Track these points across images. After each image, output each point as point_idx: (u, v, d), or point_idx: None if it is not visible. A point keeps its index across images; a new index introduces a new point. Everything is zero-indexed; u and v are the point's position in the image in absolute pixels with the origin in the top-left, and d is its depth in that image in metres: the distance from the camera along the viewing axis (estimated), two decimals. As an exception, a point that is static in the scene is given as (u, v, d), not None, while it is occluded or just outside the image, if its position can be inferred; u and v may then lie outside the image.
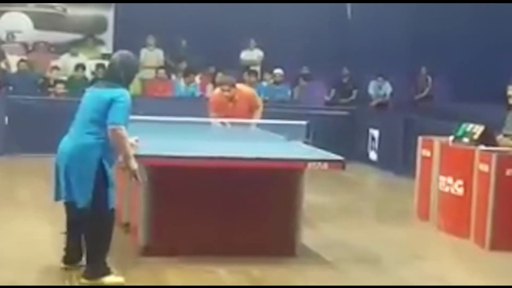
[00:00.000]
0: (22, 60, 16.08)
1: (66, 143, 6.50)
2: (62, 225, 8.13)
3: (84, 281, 6.40)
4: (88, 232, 6.43)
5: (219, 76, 9.91)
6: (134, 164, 6.40)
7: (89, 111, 6.38)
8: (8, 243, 7.66)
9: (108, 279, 6.39)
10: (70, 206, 6.58)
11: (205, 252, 7.08)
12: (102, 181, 6.29)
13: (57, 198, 6.64)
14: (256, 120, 9.73)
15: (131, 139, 6.57)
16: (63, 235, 7.86)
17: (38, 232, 8.12)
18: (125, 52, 6.63)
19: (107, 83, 6.46)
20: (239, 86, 10.03)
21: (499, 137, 8.77)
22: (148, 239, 7.22)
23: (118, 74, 6.42)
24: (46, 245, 7.59)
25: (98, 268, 6.41)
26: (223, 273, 6.82)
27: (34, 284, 6.41)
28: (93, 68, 16.48)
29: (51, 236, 7.90)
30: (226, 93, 9.68)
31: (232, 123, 9.41)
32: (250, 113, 9.76)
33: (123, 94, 6.31)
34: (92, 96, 6.44)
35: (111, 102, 6.24)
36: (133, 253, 7.27)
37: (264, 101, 10.84)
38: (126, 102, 6.31)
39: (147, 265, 6.95)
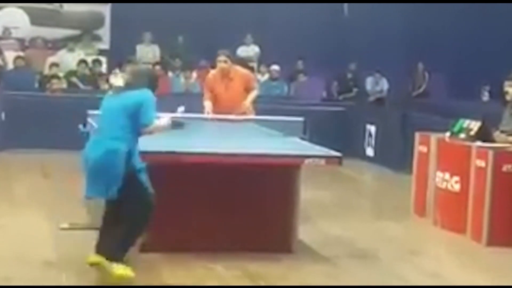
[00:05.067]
0: (18, 57, 16.06)
1: (94, 148, 6.46)
2: (59, 221, 8.17)
3: (94, 259, 6.35)
4: (127, 215, 6.41)
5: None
6: (167, 124, 6.68)
7: (116, 115, 6.40)
8: (4, 239, 7.65)
9: (120, 269, 6.34)
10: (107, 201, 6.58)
11: (202, 248, 7.08)
12: (133, 177, 6.38)
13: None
14: (245, 110, 9.69)
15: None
16: (61, 231, 7.89)
17: (35, 228, 8.12)
18: (149, 66, 6.84)
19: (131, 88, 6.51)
20: (237, 67, 10.01)
21: (496, 133, 8.77)
22: (146, 235, 7.20)
23: (143, 81, 6.53)
24: (43, 241, 7.59)
25: (118, 250, 6.38)
26: (220, 269, 6.83)
27: (30, 280, 6.40)
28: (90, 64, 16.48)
29: (48, 232, 7.92)
30: (223, 64, 9.65)
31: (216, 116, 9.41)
32: (244, 95, 9.73)
33: (148, 95, 6.46)
34: (118, 101, 6.46)
35: (140, 105, 6.37)
36: (131, 250, 7.26)
37: (261, 97, 10.82)
38: (153, 101, 6.46)
39: (144, 261, 6.95)
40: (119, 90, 6.67)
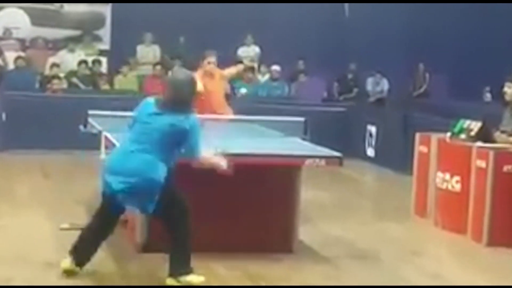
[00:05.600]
0: (19, 57, 16.06)
1: (129, 161, 6.29)
2: (59, 222, 8.17)
3: (170, 281, 6.35)
4: (175, 229, 6.39)
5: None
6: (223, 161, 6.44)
7: (162, 137, 6.23)
8: (5, 240, 7.65)
9: (194, 278, 6.37)
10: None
11: (202, 248, 7.06)
12: (168, 192, 6.33)
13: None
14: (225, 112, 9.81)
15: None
16: (61, 231, 7.89)
17: (35, 228, 8.12)
18: (188, 72, 6.55)
19: (176, 108, 6.27)
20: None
21: (497, 134, 8.77)
22: (146, 235, 7.21)
23: (187, 99, 6.33)
24: (43, 241, 7.59)
25: (184, 264, 6.39)
26: (220, 269, 6.83)
27: (31, 281, 6.40)
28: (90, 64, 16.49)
29: (48, 232, 7.92)
30: (212, 66, 9.64)
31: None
32: (222, 96, 9.96)
33: (196, 123, 6.30)
34: (162, 121, 6.25)
35: (189, 132, 6.21)
36: (131, 250, 7.28)
37: (261, 98, 10.85)
38: (200, 129, 6.33)
39: (145, 261, 6.95)
40: (163, 107, 6.30)
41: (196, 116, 6.39)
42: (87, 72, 16.17)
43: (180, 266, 6.38)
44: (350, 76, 17.69)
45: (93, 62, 16.43)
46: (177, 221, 6.38)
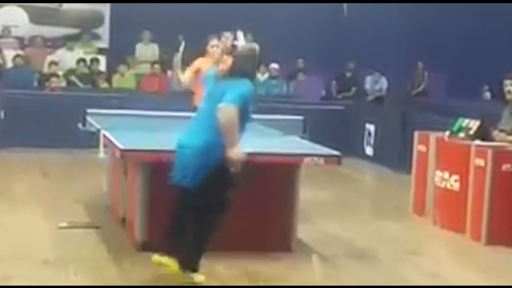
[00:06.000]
0: (18, 55, 16.04)
1: (191, 137, 6.27)
2: (58, 220, 8.17)
3: (164, 261, 6.28)
4: (200, 220, 6.30)
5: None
6: (237, 153, 6.13)
7: (210, 105, 6.20)
8: (3, 238, 7.64)
9: (198, 277, 6.32)
10: (183, 192, 6.34)
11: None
12: (220, 175, 6.18)
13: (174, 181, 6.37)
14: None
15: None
16: (60, 230, 7.88)
17: (34, 227, 8.11)
18: (251, 45, 6.60)
19: (232, 78, 6.26)
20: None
21: (495, 133, 8.77)
22: (145, 234, 7.21)
23: (244, 68, 6.31)
24: (42, 240, 7.59)
25: (195, 258, 6.31)
26: (219, 268, 6.82)
27: (29, 279, 6.39)
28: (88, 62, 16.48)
29: (47, 231, 7.91)
30: (215, 49, 9.46)
31: None
32: None
33: (243, 83, 6.19)
34: (215, 90, 6.25)
35: (228, 89, 6.10)
36: (129, 248, 7.27)
37: (260, 96, 10.82)
38: (244, 89, 6.14)
39: (143, 260, 6.93)
40: (223, 76, 6.35)
41: (249, 85, 6.22)
42: (86, 70, 16.16)
43: (189, 260, 6.31)
44: (348, 74, 17.69)
45: (91, 60, 16.42)
46: (213, 210, 6.28)
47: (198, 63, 9.29)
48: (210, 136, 6.13)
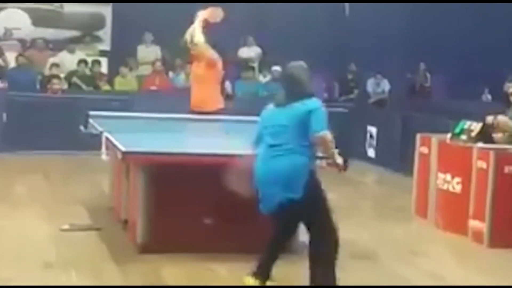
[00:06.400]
0: (20, 55, 16.04)
1: (274, 163, 6.22)
2: (59, 223, 8.17)
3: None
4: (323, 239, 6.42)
5: None
6: (339, 159, 6.47)
7: (292, 128, 6.22)
8: (5, 240, 7.65)
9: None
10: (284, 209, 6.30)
11: (203, 249, 7.07)
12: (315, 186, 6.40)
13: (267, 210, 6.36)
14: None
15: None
16: (62, 232, 7.88)
17: (35, 229, 8.11)
18: (295, 64, 6.63)
19: (294, 98, 6.32)
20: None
21: (499, 117, 8.73)
22: (146, 236, 7.21)
23: (300, 89, 6.39)
24: (44, 242, 7.59)
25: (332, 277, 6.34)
26: (221, 270, 6.82)
27: (30, 281, 6.39)
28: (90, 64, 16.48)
29: (49, 233, 7.92)
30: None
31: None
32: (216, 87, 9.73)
33: (319, 104, 6.34)
34: (287, 113, 6.26)
35: (310, 113, 6.22)
36: (132, 250, 7.27)
37: (263, 98, 10.79)
38: (324, 111, 6.36)
39: (145, 262, 6.94)
40: (281, 102, 6.35)
41: (319, 101, 6.41)
42: (87, 72, 16.15)
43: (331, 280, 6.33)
44: (350, 76, 17.68)
45: (93, 62, 16.41)
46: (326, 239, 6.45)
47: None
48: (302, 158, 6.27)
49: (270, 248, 6.44)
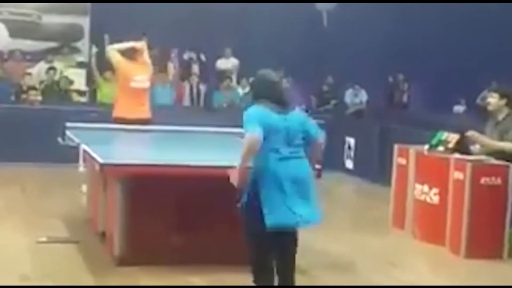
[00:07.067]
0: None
1: (295, 166, 6.08)
2: (37, 235, 8.11)
3: None
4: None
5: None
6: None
7: (297, 134, 6.15)
8: (-18, 253, 7.59)
9: None
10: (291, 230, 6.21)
11: (180, 261, 7.05)
12: None
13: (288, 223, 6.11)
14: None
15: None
16: (39, 245, 7.81)
17: (12, 242, 8.04)
18: (263, 72, 6.40)
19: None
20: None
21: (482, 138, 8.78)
22: (124, 248, 7.18)
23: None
24: (21, 254, 7.53)
25: None
26: (198, 282, 6.80)
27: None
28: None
29: (25, 245, 7.86)
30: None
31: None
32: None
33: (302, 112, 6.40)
34: (291, 119, 6.13)
35: (306, 119, 6.26)
36: (109, 262, 7.24)
37: (241, 110, 10.80)
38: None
39: (122, 274, 6.91)
40: (281, 109, 6.14)
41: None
42: (55, 79, 16.06)
43: None
44: (325, 88, 17.71)
45: (61, 76, 16.35)
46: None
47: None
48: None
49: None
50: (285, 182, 5.95)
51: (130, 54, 10.29)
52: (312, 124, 6.31)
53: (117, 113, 10.23)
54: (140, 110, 10.21)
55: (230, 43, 17.52)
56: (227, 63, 17.56)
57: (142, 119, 10.04)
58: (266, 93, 6.17)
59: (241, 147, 6.01)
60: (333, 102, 17.60)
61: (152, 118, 10.29)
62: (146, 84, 10.34)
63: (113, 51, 10.31)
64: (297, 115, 6.23)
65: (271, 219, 5.91)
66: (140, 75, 10.26)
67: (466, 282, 7.47)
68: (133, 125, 9.39)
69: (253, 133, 5.88)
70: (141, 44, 10.51)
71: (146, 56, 10.44)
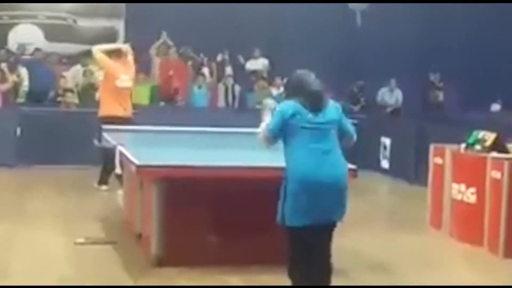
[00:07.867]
0: (37, 50, 16.22)
1: (327, 164, 6.00)
2: (75, 236, 8.18)
3: None
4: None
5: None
6: None
7: (331, 130, 6.12)
8: (21, 255, 7.66)
9: None
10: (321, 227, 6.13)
11: (217, 262, 7.07)
12: None
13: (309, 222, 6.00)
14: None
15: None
16: (76, 246, 7.88)
17: (50, 243, 8.12)
18: (298, 72, 6.49)
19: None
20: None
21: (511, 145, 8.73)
22: (161, 249, 7.21)
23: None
24: (59, 257, 7.60)
25: None
26: (235, 282, 6.81)
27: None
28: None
29: (64, 247, 7.92)
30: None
31: None
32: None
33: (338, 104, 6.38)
34: (325, 116, 6.12)
35: (341, 118, 6.24)
36: (146, 263, 7.27)
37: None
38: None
39: (160, 275, 6.94)
40: (314, 107, 6.15)
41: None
42: (91, 81, 16.17)
43: None
44: (355, 90, 17.61)
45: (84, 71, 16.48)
46: None
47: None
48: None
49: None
50: (315, 179, 5.89)
51: (115, 55, 10.86)
52: (347, 122, 6.31)
53: (103, 111, 10.69)
54: (125, 108, 10.78)
55: (261, 43, 17.53)
56: (256, 63, 17.56)
57: (127, 117, 10.63)
58: (300, 92, 6.15)
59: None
60: (362, 99, 17.45)
61: (133, 118, 10.84)
62: (129, 83, 10.94)
63: (99, 51, 10.86)
64: (332, 111, 6.15)
65: (300, 217, 5.91)
66: (124, 74, 10.82)
67: (506, 282, 7.41)
68: (119, 125, 9.69)
69: (267, 127, 6.07)
70: (125, 47, 11.19)
71: (130, 57, 11.01)
